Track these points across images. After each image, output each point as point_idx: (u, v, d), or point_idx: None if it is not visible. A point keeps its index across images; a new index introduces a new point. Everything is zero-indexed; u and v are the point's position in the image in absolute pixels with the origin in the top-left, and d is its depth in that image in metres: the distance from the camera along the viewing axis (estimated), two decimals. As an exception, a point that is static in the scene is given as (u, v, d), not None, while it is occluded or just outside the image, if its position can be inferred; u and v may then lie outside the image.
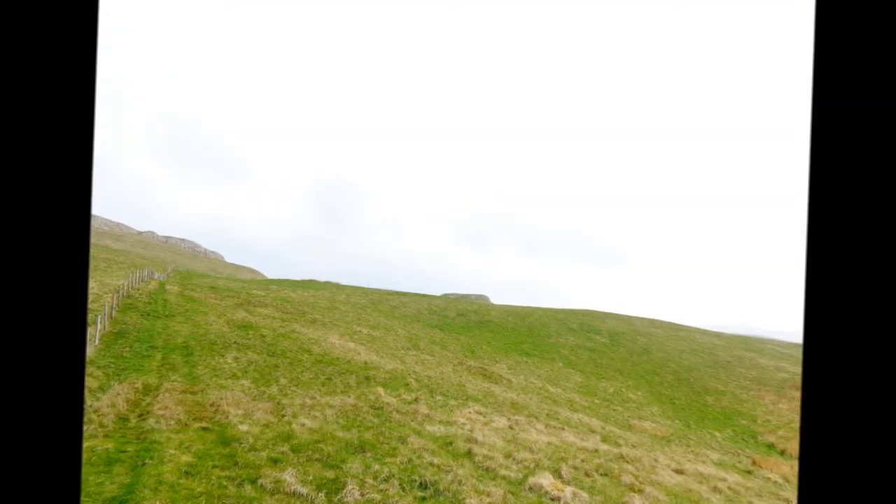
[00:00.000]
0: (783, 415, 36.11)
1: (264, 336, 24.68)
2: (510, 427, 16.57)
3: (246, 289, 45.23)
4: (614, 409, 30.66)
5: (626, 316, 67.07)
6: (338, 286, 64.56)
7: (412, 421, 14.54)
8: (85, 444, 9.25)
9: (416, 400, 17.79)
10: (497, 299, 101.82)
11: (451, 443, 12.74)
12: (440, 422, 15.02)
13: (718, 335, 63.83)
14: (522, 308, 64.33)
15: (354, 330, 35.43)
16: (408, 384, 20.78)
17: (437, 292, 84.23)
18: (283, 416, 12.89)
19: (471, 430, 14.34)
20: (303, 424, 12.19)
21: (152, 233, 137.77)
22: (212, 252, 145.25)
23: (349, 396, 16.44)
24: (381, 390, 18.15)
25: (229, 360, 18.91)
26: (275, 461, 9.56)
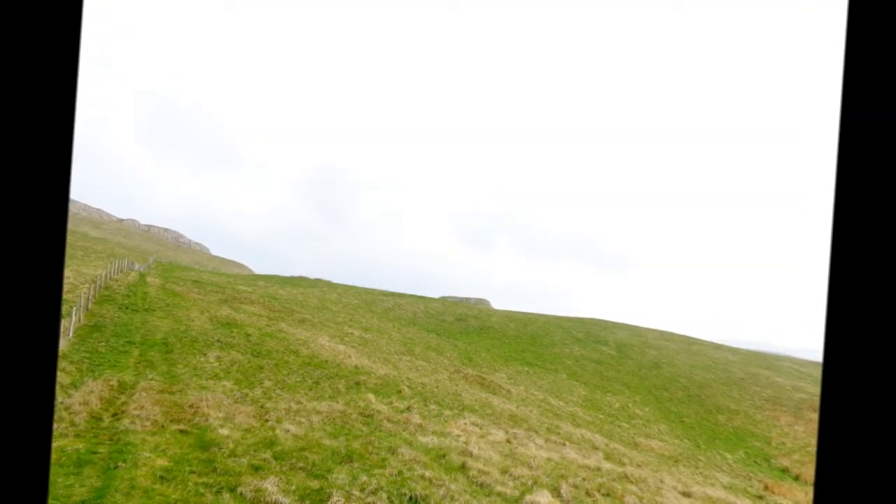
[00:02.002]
0: (799, 437, 36.09)
1: (249, 335, 24.69)
2: (508, 441, 16.57)
3: (231, 284, 45.23)
4: (619, 426, 30.67)
5: (636, 327, 67.07)
6: (329, 284, 64.61)
7: (404, 431, 14.54)
8: (54, 444, 9.25)
9: (408, 408, 17.80)
10: (498, 303, 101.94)
11: (444, 455, 12.74)
12: (433, 433, 15.02)
13: (733, 350, 63.76)
14: (525, 314, 64.34)
15: (345, 332, 35.43)
16: (400, 391, 20.79)
17: (436, 294, 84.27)
18: (267, 420, 12.90)
19: (466, 443, 14.35)
20: (287, 430, 12.19)
21: (134, 221, 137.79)
22: (196, 243, 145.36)
23: (337, 402, 16.45)
24: (371, 397, 18.15)
25: (211, 360, 18.92)
26: (256, 468, 9.57)
